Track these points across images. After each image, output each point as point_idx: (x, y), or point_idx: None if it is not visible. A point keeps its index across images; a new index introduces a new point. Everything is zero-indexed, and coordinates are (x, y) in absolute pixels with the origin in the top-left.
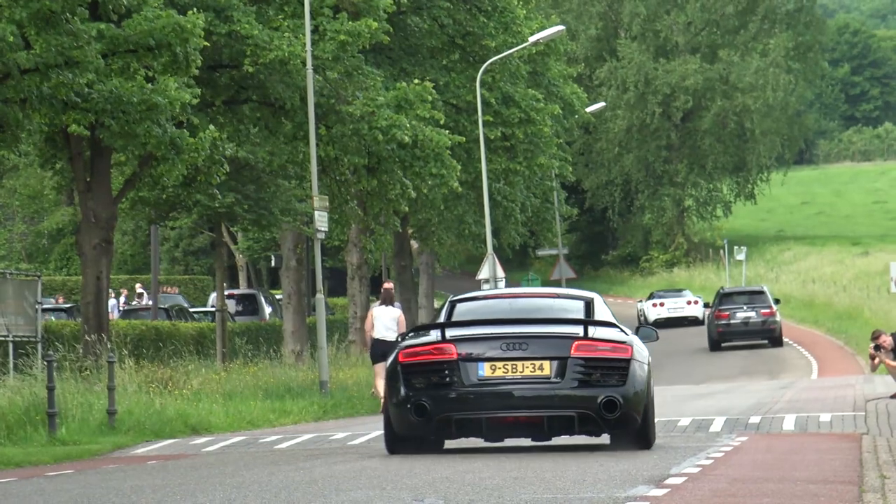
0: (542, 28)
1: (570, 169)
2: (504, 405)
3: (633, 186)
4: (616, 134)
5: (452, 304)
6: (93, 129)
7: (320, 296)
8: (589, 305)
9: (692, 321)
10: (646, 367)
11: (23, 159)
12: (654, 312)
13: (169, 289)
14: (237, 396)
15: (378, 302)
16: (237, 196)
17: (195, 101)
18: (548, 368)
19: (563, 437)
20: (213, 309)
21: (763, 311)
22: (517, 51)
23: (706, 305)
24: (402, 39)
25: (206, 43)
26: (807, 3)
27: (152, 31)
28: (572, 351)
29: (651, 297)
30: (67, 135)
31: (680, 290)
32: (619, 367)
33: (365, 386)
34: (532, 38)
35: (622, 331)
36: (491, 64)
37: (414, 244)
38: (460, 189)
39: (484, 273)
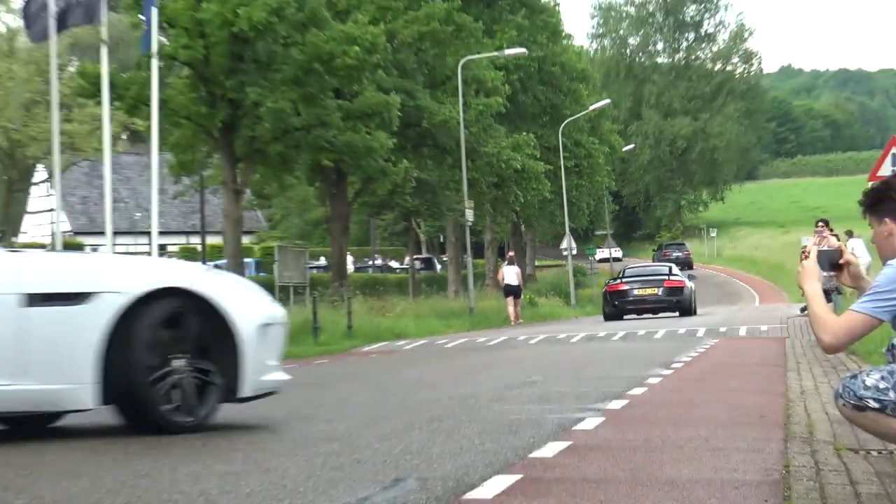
0: (597, 101)
1: (614, 183)
2: (642, 303)
3: (650, 193)
4: (641, 163)
5: (623, 270)
6: (337, 163)
7: (468, 258)
8: (670, 268)
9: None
10: (691, 288)
11: (296, 180)
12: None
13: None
14: (422, 316)
15: (505, 262)
16: (420, 200)
17: (393, 145)
18: (657, 290)
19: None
20: (406, 266)
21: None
22: (582, 115)
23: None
24: (515, 109)
25: (399, 113)
26: (754, 84)
27: (370, 105)
28: (664, 284)
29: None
30: (322, 166)
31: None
32: (680, 288)
33: (496, 311)
34: (591, 107)
35: (683, 277)
36: (567, 123)
37: (522, 227)
38: (549, 196)
39: (564, 245)
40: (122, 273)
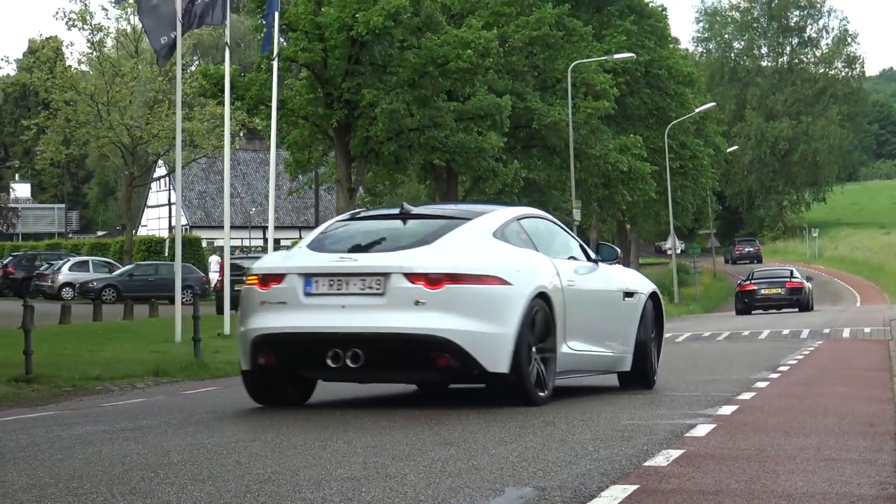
0: (702, 103)
1: (718, 183)
2: (768, 301)
3: (753, 193)
4: (744, 164)
5: (751, 273)
6: (448, 162)
7: None
8: (791, 272)
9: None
10: (809, 288)
11: (407, 178)
12: None
13: None
14: None
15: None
16: (529, 199)
17: (503, 145)
18: (780, 290)
19: None
20: None
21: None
22: (688, 117)
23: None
24: (622, 111)
25: (510, 114)
26: (856, 88)
27: (482, 107)
28: (786, 285)
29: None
30: (433, 165)
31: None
32: (800, 289)
33: None
34: (696, 110)
35: (802, 279)
36: (672, 125)
37: (628, 226)
38: (655, 196)
39: (668, 244)
40: (639, 281)
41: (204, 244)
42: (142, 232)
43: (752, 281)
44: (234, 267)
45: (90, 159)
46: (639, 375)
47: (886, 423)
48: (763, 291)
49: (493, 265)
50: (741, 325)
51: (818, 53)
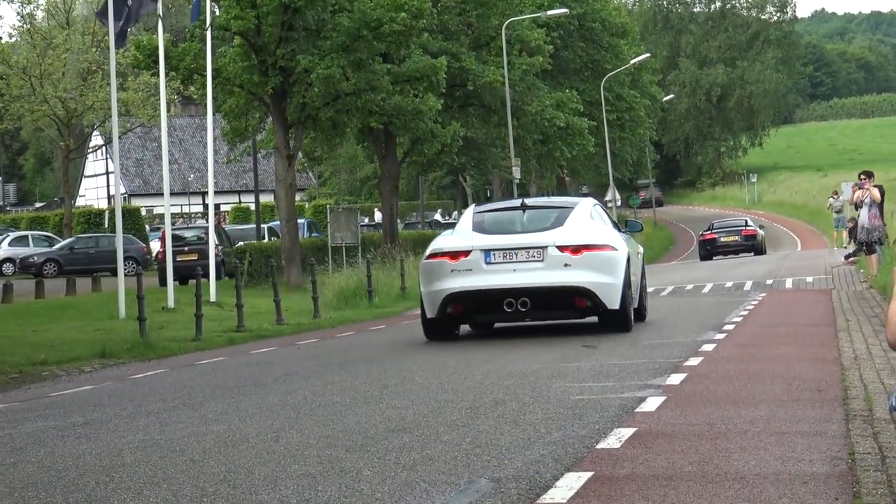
0: (637, 54)
1: (655, 132)
2: (727, 247)
3: (690, 141)
4: (680, 112)
5: (711, 223)
6: (385, 125)
7: None
8: (746, 221)
9: None
10: (762, 235)
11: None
12: None
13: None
14: None
15: None
16: (467, 158)
17: (440, 106)
18: (738, 238)
19: None
20: (454, 221)
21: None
22: (623, 69)
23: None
24: (557, 65)
25: (445, 75)
26: (788, 32)
27: (418, 69)
28: (742, 233)
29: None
30: (371, 128)
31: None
32: (754, 236)
33: None
34: (631, 61)
35: (756, 227)
36: (608, 77)
37: (567, 179)
38: (593, 150)
39: (609, 196)
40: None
41: (143, 212)
42: (80, 202)
43: (713, 230)
44: (175, 238)
45: (24, 131)
46: (640, 312)
47: (834, 387)
48: (722, 239)
49: (606, 238)
50: (684, 279)
51: None
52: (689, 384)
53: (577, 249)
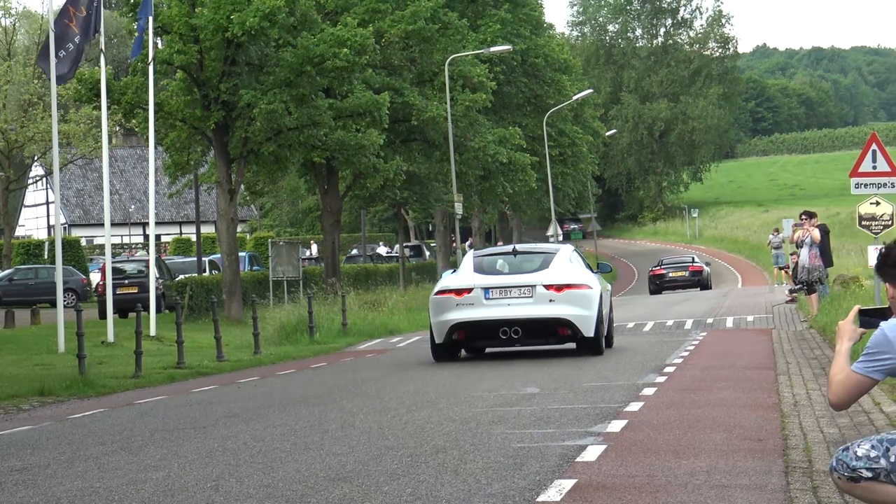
0: (580, 89)
1: (597, 167)
2: (675, 282)
3: (632, 175)
4: (622, 146)
5: (660, 260)
6: (328, 160)
7: (458, 250)
8: (693, 258)
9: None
10: (708, 271)
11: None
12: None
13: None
14: (413, 310)
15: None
16: (410, 192)
17: (382, 142)
18: (685, 273)
19: None
20: (396, 254)
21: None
22: (565, 105)
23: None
24: (500, 100)
25: (388, 110)
26: (730, 68)
27: (360, 104)
28: (689, 268)
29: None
30: (313, 163)
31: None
32: (700, 271)
33: None
34: (574, 97)
35: (702, 263)
36: (551, 113)
37: (509, 213)
38: (535, 186)
39: (550, 231)
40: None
41: (84, 242)
42: (19, 231)
43: (662, 266)
44: (115, 270)
45: None
46: (609, 339)
47: (774, 436)
48: (671, 274)
49: (583, 278)
50: (624, 317)
51: (692, 34)
52: (630, 431)
53: (559, 288)
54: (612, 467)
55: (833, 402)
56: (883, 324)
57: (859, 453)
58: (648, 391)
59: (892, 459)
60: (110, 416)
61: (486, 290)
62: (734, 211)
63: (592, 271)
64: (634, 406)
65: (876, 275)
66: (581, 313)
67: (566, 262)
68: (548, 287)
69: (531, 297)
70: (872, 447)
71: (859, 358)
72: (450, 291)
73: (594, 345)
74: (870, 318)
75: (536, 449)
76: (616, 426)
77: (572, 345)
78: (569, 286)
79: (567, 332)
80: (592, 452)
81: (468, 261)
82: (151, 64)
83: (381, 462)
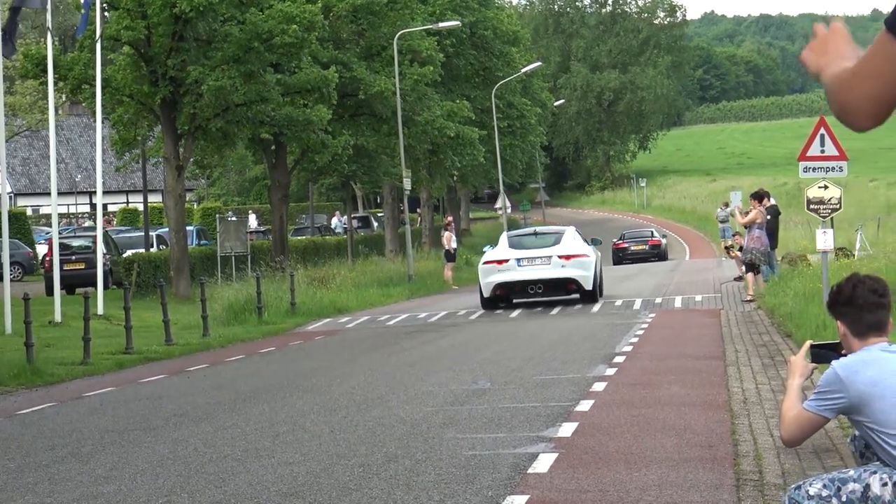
0: (528, 61)
1: (545, 138)
2: (636, 255)
3: (580, 144)
4: (571, 115)
5: (623, 234)
6: (276, 135)
7: (408, 227)
8: (652, 232)
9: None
10: (665, 243)
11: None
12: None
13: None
14: (362, 286)
15: (450, 229)
16: (358, 166)
17: (330, 117)
18: (645, 246)
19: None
20: (345, 226)
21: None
22: (514, 77)
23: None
24: (449, 73)
25: (336, 84)
26: (679, 37)
27: (309, 80)
28: (649, 242)
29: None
30: (262, 138)
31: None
32: (659, 245)
33: (433, 275)
34: (522, 70)
35: (660, 237)
36: (500, 85)
37: (457, 185)
38: (484, 160)
39: (499, 203)
40: (593, 252)
41: (29, 212)
42: None
43: (624, 240)
44: (62, 246)
45: None
46: (600, 291)
47: (725, 441)
48: (633, 248)
49: (584, 250)
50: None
51: (640, 3)
52: (581, 437)
53: (568, 257)
54: (563, 480)
55: (785, 440)
56: (835, 363)
57: (811, 492)
58: (598, 386)
59: (844, 499)
60: (59, 412)
61: (518, 259)
62: (682, 180)
63: (589, 244)
64: (585, 405)
65: (828, 312)
66: (583, 274)
67: (572, 239)
68: (560, 257)
69: (549, 263)
70: (824, 486)
71: (811, 396)
72: (493, 261)
73: (592, 295)
74: (821, 352)
75: (488, 458)
76: (567, 430)
77: (577, 296)
78: (574, 255)
79: (573, 287)
80: (544, 462)
81: (504, 239)
82: (99, 40)
83: (332, 474)
